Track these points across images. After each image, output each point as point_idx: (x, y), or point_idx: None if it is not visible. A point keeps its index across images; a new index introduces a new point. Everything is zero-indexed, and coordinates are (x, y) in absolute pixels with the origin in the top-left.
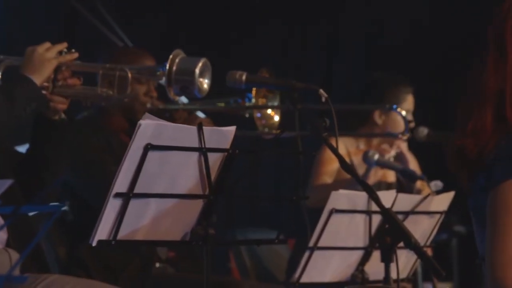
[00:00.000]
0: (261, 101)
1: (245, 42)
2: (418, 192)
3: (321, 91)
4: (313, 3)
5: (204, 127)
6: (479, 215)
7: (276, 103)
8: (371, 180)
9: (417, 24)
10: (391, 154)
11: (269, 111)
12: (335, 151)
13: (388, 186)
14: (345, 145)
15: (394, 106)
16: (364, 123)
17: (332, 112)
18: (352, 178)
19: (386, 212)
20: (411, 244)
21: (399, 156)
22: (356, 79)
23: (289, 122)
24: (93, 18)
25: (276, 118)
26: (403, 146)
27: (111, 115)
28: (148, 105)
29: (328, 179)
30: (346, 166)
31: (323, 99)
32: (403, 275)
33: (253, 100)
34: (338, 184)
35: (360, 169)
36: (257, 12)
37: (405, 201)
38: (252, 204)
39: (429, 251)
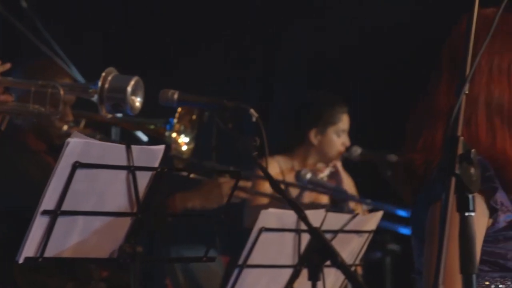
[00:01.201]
0: (177, 127)
1: (187, 62)
2: (352, 211)
3: (252, 110)
4: (254, 23)
5: (132, 146)
6: (418, 230)
7: (192, 135)
8: (307, 199)
9: (353, 44)
10: (325, 173)
11: (180, 141)
12: (264, 170)
13: (321, 207)
14: (279, 164)
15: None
16: (300, 143)
17: (262, 132)
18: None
19: (313, 231)
20: (338, 263)
21: (334, 175)
22: (296, 99)
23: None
24: (33, 37)
25: (185, 147)
26: (339, 165)
27: (26, 134)
28: (65, 128)
29: (264, 199)
30: (275, 185)
31: (254, 119)
32: None
33: (175, 125)
34: (275, 202)
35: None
36: (198, 32)
37: (334, 220)
38: (189, 222)
39: (358, 270)
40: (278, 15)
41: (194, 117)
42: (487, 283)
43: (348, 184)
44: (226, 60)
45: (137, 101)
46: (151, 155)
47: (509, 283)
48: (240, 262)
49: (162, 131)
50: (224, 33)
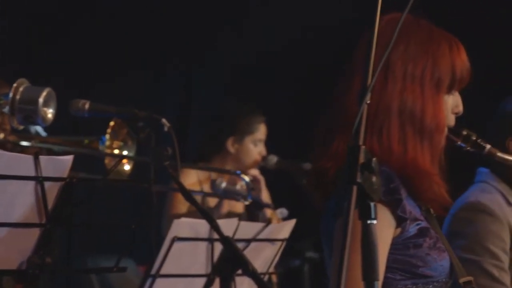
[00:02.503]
0: (117, 144)
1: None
2: (268, 220)
3: (164, 120)
4: (173, 32)
5: (40, 156)
6: (327, 238)
7: (131, 152)
8: (226, 208)
9: (272, 54)
10: (243, 182)
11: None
12: (175, 179)
13: (237, 216)
14: (197, 174)
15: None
16: (218, 152)
17: (174, 141)
18: (208, 207)
19: (225, 240)
20: (249, 271)
21: (254, 184)
22: (214, 108)
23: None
24: None
25: (127, 167)
26: (257, 174)
27: None
28: (1, 136)
29: (183, 208)
30: (186, 194)
31: (166, 129)
32: None
33: (107, 143)
34: (193, 212)
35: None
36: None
37: (247, 229)
38: (110, 232)
39: (274, 278)
40: (198, 25)
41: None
42: None
43: (264, 194)
44: (146, 71)
45: (49, 113)
46: (60, 165)
47: None
48: (153, 272)
49: (96, 146)
50: (144, 42)
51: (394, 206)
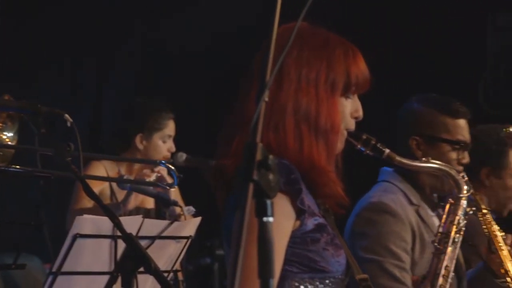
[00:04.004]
0: None
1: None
2: (176, 217)
3: (67, 116)
4: (88, 29)
5: None
6: (228, 234)
7: (12, 133)
8: (132, 204)
9: (183, 51)
10: (151, 179)
11: (5, 137)
12: (78, 176)
13: (146, 212)
14: (106, 169)
15: (163, 162)
16: (127, 148)
17: (77, 137)
18: (113, 202)
19: (127, 237)
20: (151, 269)
21: (160, 181)
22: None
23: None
24: None
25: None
26: (164, 171)
27: None
28: None
29: (88, 203)
30: (88, 190)
31: (69, 124)
32: None
33: None
34: (98, 208)
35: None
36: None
37: (151, 226)
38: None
39: (180, 275)
40: (109, 24)
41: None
42: (296, 284)
43: (174, 191)
44: (60, 70)
45: None
46: None
47: (317, 283)
48: (54, 269)
49: None
50: (59, 41)
51: (294, 196)
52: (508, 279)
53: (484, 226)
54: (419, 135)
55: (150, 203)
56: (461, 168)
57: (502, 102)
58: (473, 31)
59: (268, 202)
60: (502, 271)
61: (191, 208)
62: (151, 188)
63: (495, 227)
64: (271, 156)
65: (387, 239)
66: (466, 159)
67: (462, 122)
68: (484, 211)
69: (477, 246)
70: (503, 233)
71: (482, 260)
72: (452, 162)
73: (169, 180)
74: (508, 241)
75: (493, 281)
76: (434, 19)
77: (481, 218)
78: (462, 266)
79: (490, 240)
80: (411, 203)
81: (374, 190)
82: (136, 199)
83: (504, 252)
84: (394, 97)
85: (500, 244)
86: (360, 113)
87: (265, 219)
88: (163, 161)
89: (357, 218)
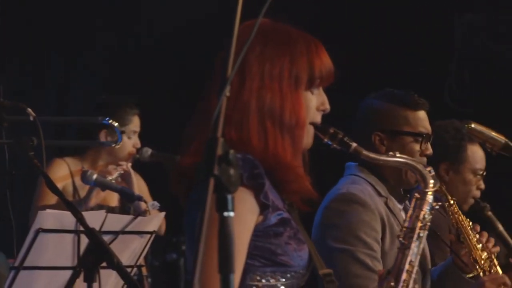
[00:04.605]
0: None
1: None
2: (143, 212)
3: (29, 110)
4: (52, 27)
5: None
6: (190, 230)
7: None
8: (94, 201)
9: (148, 47)
10: (115, 175)
11: None
12: (40, 171)
13: (110, 210)
14: (69, 165)
15: (106, 119)
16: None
17: (39, 131)
18: (76, 200)
19: (89, 232)
20: (113, 264)
21: (125, 177)
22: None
23: None
24: None
25: None
26: (129, 167)
27: None
28: None
29: (51, 199)
30: (51, 186)
31: (31, 118)
32: None
33: None
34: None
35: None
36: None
37: (115, 221)
38: None
39: (144, 270)
40: (74, 23)
41: None
42: (258, 277)
43: (141, 186)
44: (25, 66)
45: None
46: None
47: (279, 277)
48: (16, 264)
49: None
50: (25, 36)
51: (258, 191)
52: (478, 268)
53: (452, 217)
54: (381, 130)
55: (114, 200)
56: (424, 159)
57: (468, 100)
58: (440, 30)
59: (229, 197)
60: (471, 259)
61: (156, 203)
62: (115, 183)
63: (463, 217)
64: (232, 151)
65: (357, 229)
66: (429, 150)
67: (422, 114)
68: (451, 201)
69: (445, 237)
70: (470, 223)
71: (444, 254)
72: (415, 154)
73: (135, 177)
74: (477, 230)
75: (461, 276)
76: (402, 17)
77: (449, 209)
78: (427, 260)
79: (459, 230)
80: (379, 194)
81: (341, 182)
82: (98, 196)
83: (473, 242)
84: (362, 95)
85: (468, 234)
86: (327, 105)
87: (225, 214)
88: (106, 119)
89: (326, 210)
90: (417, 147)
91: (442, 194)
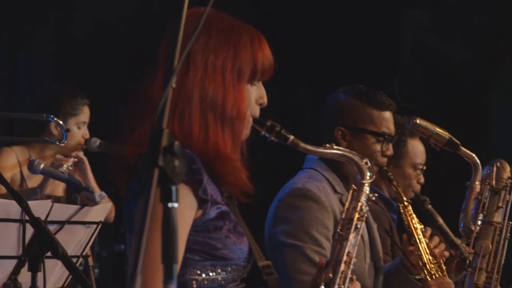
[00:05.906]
0: None
1: None
2: (91, 202)
3: None
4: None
5: None
6: (130, 221)
7: None
8: (48, 190)
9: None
10: (68, 164)
11: None
12: None
13: (56, 200)
14: (16, 155)
15: (51, 116)
16: (40, 134)
17: None
18: (31, 188)
19: (35, 221)
20: (58, 254)
21: (79, 165)
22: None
23: None
24: None
25: None
26: (81, 155)
27: None
28: None
29: (2, 188)
30: None
31: None
32: (58, 285)
33: None
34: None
35: (36, 179)
36: None
37: (61, 211)
38: None
39: (90, 260)
40: (20, 13)
41: None
42: (198, 272)
43: (91, 176)
44: None
45: None
46: None
47: (219, 271)
48: None
49: None
50: None
51: (196, 186)
52: (425, 271)
53: (405, 219)
54: (345, 125)
55: (60, 190)
56: (385, 160)
57: (416, 96)
58: (388, 26)
59: (173, 188)
60: (420, 263)
61: (103, 194)
62: (64, 173)
63: (416, 220)
64: (176, 143)
65: (309, 225)
66: (390, 151)
67: (388, 115)
68: (406, 203)
69: (395, 239)
70: (422, 226)
71: (394, 252)
72: (376, 153)
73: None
74: (427, 234)
75: (408, 277)
76: (352, 13)
77: (403, 210)
78: (379, 256)
79: (410, 233)
80: (335, 191)
81: (298, 176)
82: (53, 184)
83: (423, 245)
84: (312, 90)
85: (419, 237)
86: (265, 99)
87: (170, 204)
88: (51, 116)
89: (280, 203)
90: (378, 147)
91: (398, 195)
